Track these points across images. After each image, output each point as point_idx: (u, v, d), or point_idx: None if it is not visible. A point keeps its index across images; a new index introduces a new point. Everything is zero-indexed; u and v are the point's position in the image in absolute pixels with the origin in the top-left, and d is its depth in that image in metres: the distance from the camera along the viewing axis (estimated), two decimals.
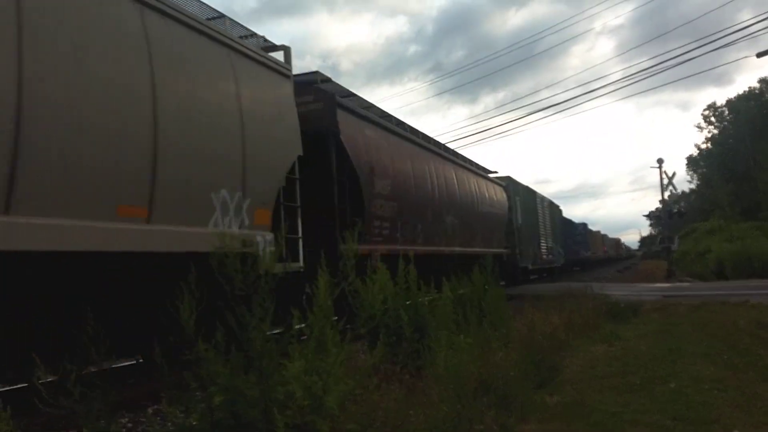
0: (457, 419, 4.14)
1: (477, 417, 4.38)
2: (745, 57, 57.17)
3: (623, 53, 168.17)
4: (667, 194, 33.35)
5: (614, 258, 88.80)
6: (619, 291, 17.90)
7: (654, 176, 38.60)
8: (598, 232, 72.11)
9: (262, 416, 2.90)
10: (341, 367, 3.33)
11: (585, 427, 5.53)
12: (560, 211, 41.22)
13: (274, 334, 3.31)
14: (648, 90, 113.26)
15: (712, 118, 63.90)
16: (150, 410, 6.22)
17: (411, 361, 5.79)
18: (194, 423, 3.12)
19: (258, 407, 2.93)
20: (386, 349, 6.05)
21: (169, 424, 3.69)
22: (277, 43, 10.17)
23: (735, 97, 61.17)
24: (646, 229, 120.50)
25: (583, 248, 51.85)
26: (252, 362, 3.06)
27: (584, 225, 55.52)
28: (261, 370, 2.97)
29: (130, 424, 6.52)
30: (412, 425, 3.80)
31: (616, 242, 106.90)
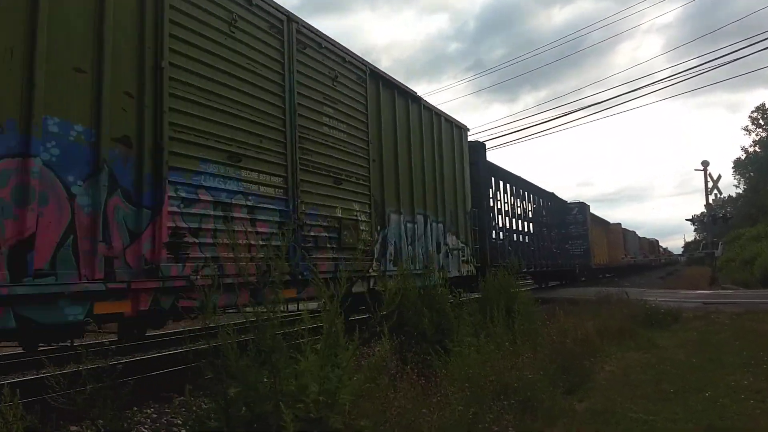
0: (472, 420, 4.08)
1: (494, 419, 4.31)
2: None
3: (670, 50, 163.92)
4: (711, 198, 32.42)
5: (646, 265, 67.36)
6: (658, 297, 17.44)
7: (699, 180, 36.71)
8: (619, 225, 50.21)
9: (274, 409, 2.90)
10: (352, 362, 3.31)
11: None
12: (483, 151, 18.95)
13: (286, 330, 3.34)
14: (695, 89, 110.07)
15: (761, 121, 61.90)
16: (176, 401, 6.34)
17: (423, 361, 5.75)
18: (211, 414, 3.15)
19: (270, 400, 2.94)
20: (403, 347, 6.04)
21: (191, 413, 3.73)
22: None
23: None
24: (690, 235, 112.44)
25: (579, 248, 32.74)
26: (265, 356, 3.07)
27: (583, 206, 34.11)
28: (272, 363, 2.98)
29: (155, 415, 6.65)
30: (426, 424, 3.76)
31: (651, 244, 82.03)
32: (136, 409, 6.87)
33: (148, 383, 7.54)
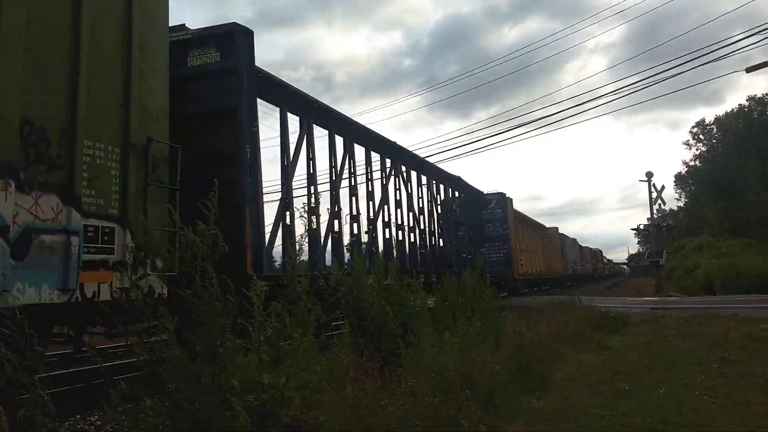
0: (436, 411, 3.93)
1: (462, 413, 4.17)
2: (735, 72, 57.45)
3: (614, 66, 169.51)
4: (656, 207, 33.42)
5: (589, 276, 62.58)
6: (607, 304, 17.77)
7: (643, 194, 37.41)
8: (555, 229, 42.72)
9: (221, 403, 2.70)
10: (307, 357, 3.13)
11: (573, 429, 5.35)
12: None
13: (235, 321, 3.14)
14: (639, 103, 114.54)
15: (701, 136, 64.31)
16: (123, 407, 5.99)
17: (393, 357, 5.60)
18: (151, 412, 2.92)
19: (215, 395, 2.73)
20: (370, 344, 5.88)
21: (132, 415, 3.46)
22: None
23: (723, 115, 61.67)
24: (634, 247, 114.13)
25: (497, 252, 25.93)
26: (210, 350, 2.86)
27: (502, 199, 27.22)
28: (217, 358, 2.78)
29: (99, 422, 6.28)
30: (388, 414, 3.59)
31: (593, 253, 75.09)
32: (79, 416, 6.50)
33: (94, 390, 7.16)
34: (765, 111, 55.91)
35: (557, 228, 43.86)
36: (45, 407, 3.03)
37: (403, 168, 16.34)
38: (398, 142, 15.91)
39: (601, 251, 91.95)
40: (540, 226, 38.76)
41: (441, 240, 18.92)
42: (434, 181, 18.85)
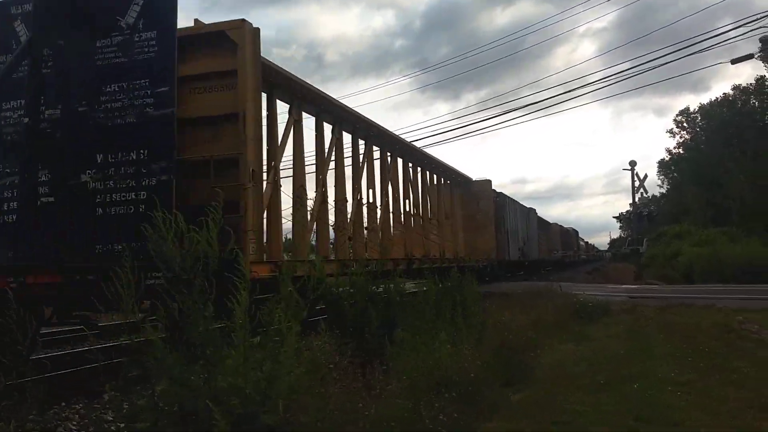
0: (412, 413, 3.98)
1: (435, 413, 4.22)
2: (720, 63, 57.72)
3: (604, 53, 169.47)
4: (638, 196, 33.76)
5: (557, 262, 49.13)
6: (587, 291, 17.96)
7: (627, 180, 36.98)
8: (487, 184, 25.81)
9: (205, 406, 2.71)
10: (293, 358, 3.14)
11: (548, 426, 5.44)
12: None
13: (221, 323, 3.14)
14: (627, 91, 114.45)
15: (685, 124, 64.78)
16: (106, 396, 5.99)
17: (378, 356, 5.63)
18: (139, 412, 2.92)
19: (202, 397, 2.74)
20: (353, 343, 5.89)
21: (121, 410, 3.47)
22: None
23: (708, 103, 62.07)
24: (616, 232, 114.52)
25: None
26: (197, 351, 2.86)
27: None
28: (206, 359, 2.78)
29: (83, 411, 6.28)
30: (363, 418, 3.63)
31: (566, 234, 60.25)
32: (64, 404, 6.49)
33: (77, 377, 7.14)
34: (749, 100, 56.34)
35: (490, 181, 25.77)
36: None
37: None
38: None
39: (576, 232, 77.78)
40: (463, 180, 24.31)
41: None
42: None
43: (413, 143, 20.17)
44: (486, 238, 24.78)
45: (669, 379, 7.29)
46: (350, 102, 14.89)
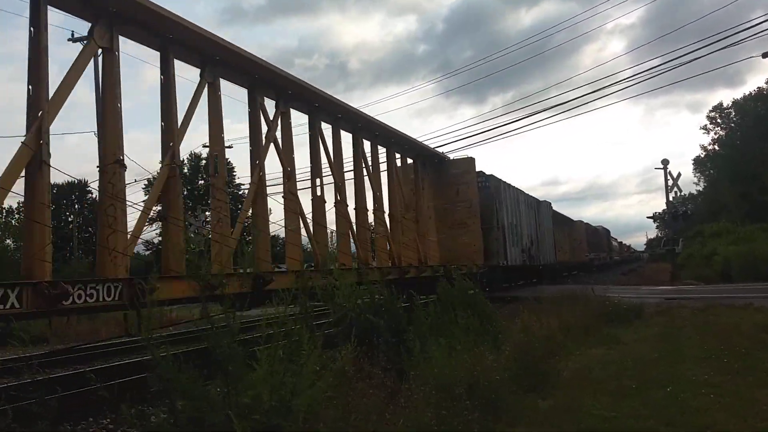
0: (439, 424, 4.05)
1: (462, 422, 4.28)
2: (751, 57, 56.32)
3: (633, 50, 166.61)
4: (672, 195, 33.14)
5: (578, 266, 43.38)
6: (621, 294, 17.72)
7: (662, 178, 35.28)
8: (469, 160, 19.13)
9: (225, 421, 2.82)
10: (314, 369, 3.23)
11: None
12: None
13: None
14: (658, 88, 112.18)
15: (718, 120, 63.48)
16: (132, 411, 6.18)
17: (393, 364, 5.69)
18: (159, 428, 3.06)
19: (221, 412, 2.85)
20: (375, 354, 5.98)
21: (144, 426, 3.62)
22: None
23: (741, 98, 60.72)
24: (653, 232, 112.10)
25: None
26: (219, 366, 2.98)
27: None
28: (227, 373, 2.90)
29: (111, 426, 6.47)
30: (392, 429, 3.71)
31: (589, 231, 50.46)
32: (91, 419, 6.70)
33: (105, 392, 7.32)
34: None
35: (473, 160, 19.50)
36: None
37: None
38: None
39: (608, 231, 69.44)
40: (438, 162, 19.02)
41: None
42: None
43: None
44: (469, 237, 18.45)
45: (701, 381, 7.19)
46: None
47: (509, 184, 23.94)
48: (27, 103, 6.70)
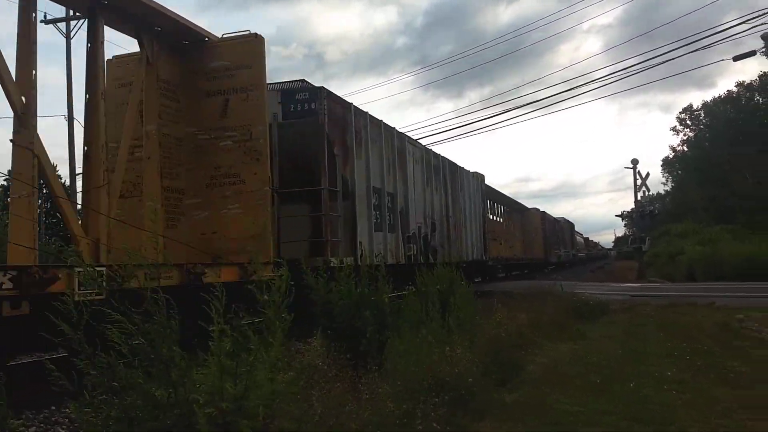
0: (403, 417, 4.00)
1: (426, 415, 4.24)
2: (723, 60, 57.34)
3: (608, 50, 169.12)
4: (640, 195, 33.72)
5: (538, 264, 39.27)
6: (588, 290, 17.96)
7: (632, 177, 35.22)
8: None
9: (178, 419, 2.73)
10: (271, 368, 3.14)
11: (540, 427, 5.44)
12: None
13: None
14: (631, 88, 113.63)
15: (688, 121, 64.55)
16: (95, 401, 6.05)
17: (371, 359, 5.64)
18: (110, 423, 2.96)
19: (173, 411, 2.76)
20: (344, 346, 5.91)
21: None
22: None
23: (711, 101, 61.80)
24: (621, 230, 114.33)
25: None
26: (161, 366, 2.87)
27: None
28: (169, 375, 2.80)
29: (73, 415, 6.32)
30: (354, 422, 3.65)
31: (547, 222, 43.09)
32: (54, 408, 6.53)
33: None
34: (753, 97, 56.10)
35: (263, 40, 10.29)
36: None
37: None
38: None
39: (572, 225, 64.56)
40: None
41: None
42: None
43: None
44: (243, 207, 9.68)
45: (665, 378, 7.28)
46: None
47: (380, 121, 14.68)
48: None
